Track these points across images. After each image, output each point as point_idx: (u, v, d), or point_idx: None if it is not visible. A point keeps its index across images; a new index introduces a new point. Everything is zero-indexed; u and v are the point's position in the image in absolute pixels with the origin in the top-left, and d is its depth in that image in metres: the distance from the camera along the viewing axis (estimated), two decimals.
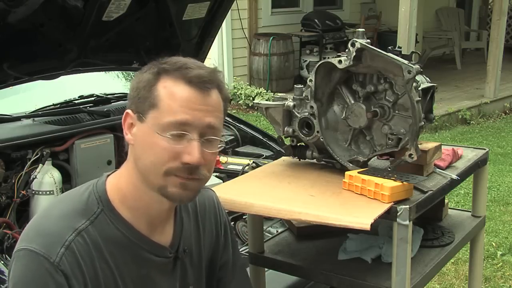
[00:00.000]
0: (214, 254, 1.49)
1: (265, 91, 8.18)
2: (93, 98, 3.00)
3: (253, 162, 2.83)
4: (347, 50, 1.57)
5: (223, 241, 1.51)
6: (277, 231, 2.24)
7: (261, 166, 2.24)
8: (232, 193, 1.63)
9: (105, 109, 2.86)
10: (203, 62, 3.32)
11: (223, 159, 2.91)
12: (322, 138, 1.69)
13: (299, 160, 1.83)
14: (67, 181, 2.58)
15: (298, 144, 1.81)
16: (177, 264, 1.36)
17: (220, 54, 8.29)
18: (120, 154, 2.83)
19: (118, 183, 1.28)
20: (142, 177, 1.24)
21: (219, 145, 1.27)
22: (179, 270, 1.37)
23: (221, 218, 1.52)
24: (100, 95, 3.05)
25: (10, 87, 2.60)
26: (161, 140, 1.19)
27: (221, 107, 1.27)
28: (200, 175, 1.23)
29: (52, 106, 2.86)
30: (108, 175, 1.31)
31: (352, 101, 1.67)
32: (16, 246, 1.22)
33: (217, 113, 1.25)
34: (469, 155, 1.92)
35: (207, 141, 1.23)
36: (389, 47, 1.65)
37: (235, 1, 3.16)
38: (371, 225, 1.38)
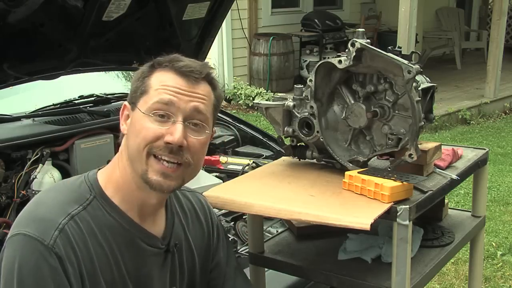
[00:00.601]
0: (206, 257, 1.49)
1: (265, 91, 8.18)
2: (93, 98, 3.00)
3: (253, 162, 2.83)
4: (347, 50, 1.57)
5: (215, 243, 1.52)
6: (277, 231, 2.24)
7: (261, 166, 2.24)
8: (232, 193, 1.63)
9: (105, 109, 2.86)
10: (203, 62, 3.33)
11: (223, 159, 2.91)
12: (322, 138, 1.69)
13: (299, 160, 1.83)
14: None
15: (298, 144, 1.81)
16: (168, 258, 1.37)
17: (220, 54, 8.29)
18: None
19: (109, 174, 1.32)
20: (130, 165, 1.28)
21: (207, 133, 1.30)
22: (169, 264, 1.38)
23: (212, 220, 1.53)
24: (100, 95, 3.05)
25: (10, 87, 2.60)
26: (147, 121, 1.24)
27: (210, 98, 1.31)
28: (182, 159, 1.26)
29: (52, 106, 2.86)
30: (99, 169, 1.35)
31: (352, 101, 1.67)
32: (8, 234, 1.22)
33: (204, 101, 1.29)
34: (469, 155, 1.92)
35: (193, 126, 1.27)
36: (389, 47, 1.65)
37: (235, 1, 3.16)
38: (371, 225, 1.38)
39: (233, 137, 3.25)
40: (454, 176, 1.70)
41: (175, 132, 1.23)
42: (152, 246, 1.33)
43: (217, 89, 1.34)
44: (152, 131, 1.24)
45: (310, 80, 1.68)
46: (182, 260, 1.41)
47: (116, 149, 2.75)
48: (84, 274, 1.20)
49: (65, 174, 2.56)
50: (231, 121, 3.38)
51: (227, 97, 8.35)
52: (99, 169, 1.35)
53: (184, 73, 1.27)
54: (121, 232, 1.27)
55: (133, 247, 1.29)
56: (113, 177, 1.31)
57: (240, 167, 2.79)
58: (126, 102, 1.33)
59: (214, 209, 1.60)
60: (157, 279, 1.35)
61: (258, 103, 1.85)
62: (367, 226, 1.38)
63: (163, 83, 1.26)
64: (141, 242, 1.30)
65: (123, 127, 1.32)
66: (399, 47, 1.70)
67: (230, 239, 2.29)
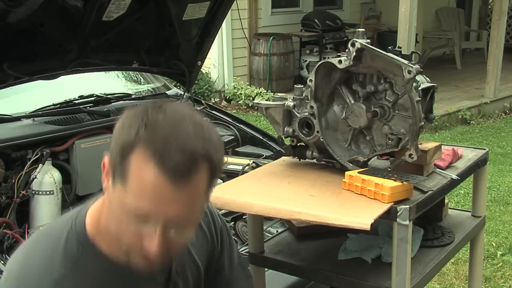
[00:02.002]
0: (210, 260, 1.45)
1: (265, 91, 8.18)
2: (93, 98, 3.00)
3: (253, 162, 2.83)
4: (347, 50, 1.57)
5: (219, 248, 1.47)
6: (277, 231, 2.24)
7: (261, 166, 2.24)
8: (232, 193, 1.63)
9: (105, 109, 2.86)
10: (203, 62, 3.34)
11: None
12: (322, 138, 1.69)
13: (299, 160, 1.83)
14: (67, 181, 2.58)
15: (298, 144, 1.81)
16: (170, 285, 1.29)
17: (220, 54, 8.28)
18: None
19: (99, 217, 1.18)
20: (114, 230, 1.13)
21: (195, 226, 1.15)
22: None
23: (215, 225, 1.45)
24: (100, 95, 3.05)
25: (10, 87, 2.60)
26: (126, 217, 1.06)
27: (201, 191, 1.07)
28: (166, 259, 1.13)
29: (52, 106, 2.86)
30: (88, 207, 1.22)
31: (352, 101, 1.67)
32: None
33: (193, 203, 1.07)
34: (469, 155, 1.92)
35: (175, 228, 1.08)
36: (389, 47, 1.65)
37: (235, 1, 3.16)
38: (371, 225, 1.38)
39: (233, 137, 3.25)
40: (454, 176, 1.70)
41: (153, 243, 1.06)
42: (152, 285, 1.24)
43: (214, 162, 1.08)
44: (131, 231, 1.07)
45: (310, 80, 1.68)
46: (187, 277, 1.34)
47: None
48: None
49: (65, 174, 2.56)
50: (231, 121, 3.38)
51: (227, 97, 8.35)
52: (88, 208, 1.21)
53: (170, 171, 1.01)
54: (115, 280, 1.17)
55: None
56: (101, 222, 1.17)
57: (240, 167, 2.79)
58: (106, 158, 1.10)
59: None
60: None
61: (258, 103, 1.85)
62: (367, 226, 1.38)
63: (142, 183, 1.02)
64: (138, 283, 1.20)
65: (105, 185, 1.12)
66: (399, 47, 1.71)
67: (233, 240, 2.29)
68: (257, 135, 3.28)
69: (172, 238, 1.08)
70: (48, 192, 2.42)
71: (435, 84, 1.77)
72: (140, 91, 3.41)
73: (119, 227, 1.09)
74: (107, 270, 1.16)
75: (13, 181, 2.40)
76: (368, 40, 1.57)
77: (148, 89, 3.46)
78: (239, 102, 8.15)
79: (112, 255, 1.16)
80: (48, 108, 2.84)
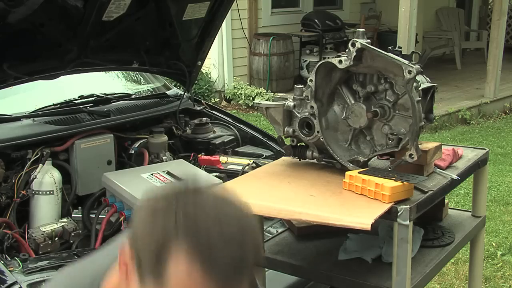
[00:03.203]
0: None
1: (265, 91, 8.18)
2: (93, 98, 3.00)
3: (253, 162, 2.83)
4: (347, 50, 1.57)
5: None
6: (277, 231, 2.24)
7: (261, 166, 2.24)
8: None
9: (105, 109, 2.86)
10: (203, 62, 3.34)
11: (223, 159, 2.90)
12: (322, 138, 1.69)
13: (299, 160, 1.83)
14: (67, 181, 2.58)
15: (298, 144, 1.81)
16: None
17: (220, 54, 8.28)
18: (120, 154, 2.83)
19: None
20: None
21: None
22: None
23: None
24: (100, 95, 3.05)
25: (10, 87, 2.59)
26: None
27: None
28: None
29: (52, 106, 2.85)
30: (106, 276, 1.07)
31: (352, 101, 1.67)
32: None
33: None
34: (469, 155, 1.92)
35: None
36: (389, 47, 1.65)
37: (235, 1, 3.16)
38: (372, 225, 1.38)
39: (233, 137, 3.25)
40: (455, 176, 1.70)
41: None
42: None
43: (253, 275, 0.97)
44: None
45: (311, 80, 1.68)
46: None
47: (116, 149, 2.77)
48: None
49: (65, 174, 2.56)
50: (231, 121, 3.38)
51: (227, 97, 8.35)
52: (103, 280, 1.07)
53: (218, 277, 0.87)
54: None
55: None
56: None
57: (240, 167, 2.78)
58: (127, 249, 0.94)
59: None
60: None
61: (258, 103, 1.85)
62: (367, 226, 1.38)
63: None
64: None
65: (122, 275, 0.96)
66: (399, 47, 1.71)
67: None
68: (257, 135, 3.28)
69: None
70: (48, 192, 2.42)
71: (435, 84, 1.78)
72: (140, 91, 3.40)
73: None
74: None
75: (13, 181, 2.40)
76: (368, 40, 1.58)
77: (148, 89, 3.46)
78: (239, 102, 8.15)
79: None
80: (48, 108, 2.84)
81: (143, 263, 0.90)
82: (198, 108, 3.39)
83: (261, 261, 1.06)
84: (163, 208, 0.90)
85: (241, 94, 8.14)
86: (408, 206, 1.46)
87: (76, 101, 2.95)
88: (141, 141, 2.90)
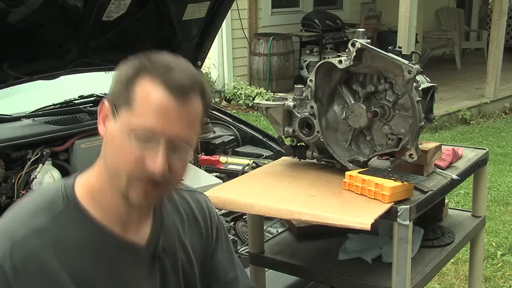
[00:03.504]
0: (204, 259, 1.42)
1: (265, 91, 8.18)
2: (93, 98, 3.00)
3: (253, 162, 2.83)
4: (347, 50, 1.57)
5: (213, 245, 1.44)
6: (277, 231, 2.24)
7: (261, 166, 2.24)
8: (232, 193, 1.63)
9: None
10: (203, 62, 3.33)
11: (223, 159, 2.91)
12: (322, 138, 1.69)
13: (299, 160, 1.83)
14: None
15: (298, 144, 1.81)
16: (156, 266, 1.28)
17: (220, 54, 8.29)
18: None
19: (88, 180, 1.23)
20: (109, 177, 1.19)
21: (191, 151, 1.21)
22: (158, 271, 1.29)
23: (211, 221, 1.44)
24: (100, 95, 3.05)
25: (10, 87, 2.60)
26: (128, 141, 1.13)
27: (199, 115, 1.20)
28: (165, 185, 1.18)
29: (52, 106, 2.86)
30: (80, 174, 1.27)
31: (352, 101, 1.67)
32: None
33: (193, 123, 1.18)
34: (469, 155, 1.92)
35: (176, 149, 1.16)
36: (389, 47, 1.65)
37: (235, 1, 3.16)
38: (372, 225, 1.38)
39: (233, 137, 3.25)
40: (455, 176, 1.70)
41: (157, 161, 1.13)
42: (134, 254, 1.25)
43: (207, 95, 1.22)
44: (133, 156, 1.13)
45: (310, 80, 1.68)
46: (176, 264, 1.33)
47: None
48: None
49: (65, 174, 2.56)
50: (231, 121, 3.38)
51: (227, 97, 8.36)
52: (80, 173, 1.27)
53: (174, 89, 1.13)
54: (94, 245, 1.19)
55: (111, 260, 1.21)
56: (90, 183, 1.22)
57: (240, 167, 2.78)
58: (106, 101, 1.21)
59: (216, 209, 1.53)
60: None
61: (258, 103, 1.85)
62: (367, 226, 1.38)
63: (149, 102, 1.13)
64: (119, 253, 1.22)
65: (101, 128, 1.21)
66: (399, 47, 1.70)
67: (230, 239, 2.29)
68: (257, 135, 3.28)
69: (173, 161, 1.15)
70: None
71: (435, 84, 1.77)
72: None
73: (120, 158, 1.15)
74: (88, 233, 1.19)
75: (13, 181, 2.40)
76: (368, 40, 1.57)
77: None
78: (239, 102, 8.15)
79: (99, 215, 1.20)
80: (48, 108, 2.84)
81: (116, 102, 1.17)
82: None
83: (210, 92, 1.25)
84: (130, 60, 1.21)
85: (241, 94, 8.14)
86: (408, 206, 1.46)
87: (76, 101, 2.96)
88: None
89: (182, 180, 1.26)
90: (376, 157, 1.74)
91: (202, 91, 1.20)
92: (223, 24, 3.89)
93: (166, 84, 1.13)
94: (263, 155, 3.06)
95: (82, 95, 3.03)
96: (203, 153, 2.98)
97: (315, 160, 1.78)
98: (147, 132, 1.12)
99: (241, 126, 3.34)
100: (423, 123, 1.61)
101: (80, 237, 1.18)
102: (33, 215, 1.17)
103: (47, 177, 2.43)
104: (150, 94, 1.13)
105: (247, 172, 2.42)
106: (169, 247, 1.32)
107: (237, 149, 3.17)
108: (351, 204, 1.51)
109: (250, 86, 8.41)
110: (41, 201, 1.21)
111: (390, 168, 1.65)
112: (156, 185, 1.16)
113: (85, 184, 1.23)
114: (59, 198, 1.20)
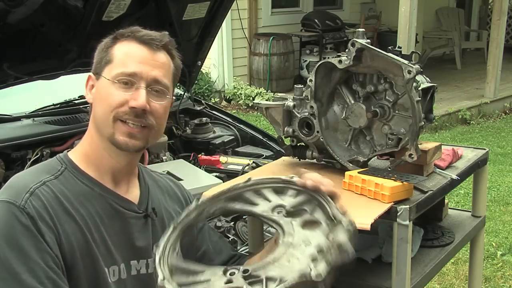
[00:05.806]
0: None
1: (265, 91, 8.18)
2: None
3: (253, 162, 2.83)
4: (347, 50, 1.57)
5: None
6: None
7: (261, 166, 2.24)
8: None
9: None
10: (203, 62, 3.33)
11: (223, 159, 2.91)
12: (322, 138, 1.69)
13: (299, 160, 1.83)
14: None
15: (298, 144, 1.81)
16: (148, 223, 1.42)
17: (220, 54, 8.29)
18: None
19: (80, 148, 1.42)
20: (97, 131, 1.38)
21: (168, 98, 1.39)
22: (150, 228, 1.42)
23: (185, 193, 1.60)
24: None
25: (10, 87, 2.60)
26: (113, 88, 1.34)
27: (169, 67, 1.41)
28: (146, 121, 1.35)
29: (52, 106, 2.86)
30: (69, 150, 1.44)
31: (352, 101, 1.67)
32: None
33: (164, 70, 1.38)
34: (469, 155, 1.92)
35: (155, 92, 1.36)
36: (389, 47, 1.65)
37: (235, 1, 3.16)
38: (371, 225, 1.38)
39: (233, 137, 3.25)
40: (454, 176, 1.70)
41: (139, 97, 1.32)
42: (129, 210, 1.39)
43: (176, 58, 1.44)
44: (117, 97, 1.33)
45: (310, 80, 1.68)
46: (164, 225, 1.44)
47: None
48: (61, 233, 1.24)
49: None
50: (231, 121, 3.38)
51: (227, 97, 8.36)
52: (69, 150, 1.44)
53: (145, 42, 1.36)
54: (96, 197, 1.34)
55: (111, 210, 1.35)
56: (83, 149, 1.41)
57: (240, 167, 2.78)
58: (91, 73, 1.42)
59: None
60: (140, 242, 1.39)
61: (258, 103, 1.85)
62: (367, 226, 1.38)
63: (126, 53, 1.35)
64: (118, 206, 1.37)
65: (89, 96, 1.42)
66: (399, 47, 1.70)
67: (230, 239, 2.30)
68: (257, 135, 3.28)
69: (152, 104, 1.35)
70: None
71: (435, 84, 1.77)
72: None
73: (106, 104, 1.34)
74: (89, 188, 1.35)
75: None
76: (368, 40, 1.57)
77: None
78: (239, 102, 8.15)
79: (95, 175, 1.37)
80: (48, 108, 2.84)
81: (99, 68, 1.39)
82: (198, 108, 3.39)
83: (178, 62, 1.47)
84: (106, 38, 1.42)
85: (241, 94, 8.14)
86: (407, 206, 1.46)
87: (76, 101, 2.96)
88: None
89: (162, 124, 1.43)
90: (376, 157, 1.74)
91: (169, 52, 1.42)
92: (223, 24, 3.89)
93: (139, 39, 1.37)
94: (263, 155, 3.06)
95: (82, 95, 3.03)
96: (203, 153, 2.98)
97: (315, 160, 1.78)
98: (128, 76, 1.33)
99: (241, 126, 3.34)
100: (423, 123, 1.61)
101: (82, 190, 1.33)
102: (37, 175, 1.31)
103: None
104: (127, 48, 1.37)
105: (247, 172, 2.42)
106: (157, 209, 1.47)
107: (237, 149, 3.17)
108: (351, 204, 1.51)
109: (250, 86, 8.41)
110: (40, 167, 1.37)
111: (390, 168, 1.65)
112: (139, 120, 1.34)
113: (78, 151, 1.41)
114: (57, 164, 1.37)
